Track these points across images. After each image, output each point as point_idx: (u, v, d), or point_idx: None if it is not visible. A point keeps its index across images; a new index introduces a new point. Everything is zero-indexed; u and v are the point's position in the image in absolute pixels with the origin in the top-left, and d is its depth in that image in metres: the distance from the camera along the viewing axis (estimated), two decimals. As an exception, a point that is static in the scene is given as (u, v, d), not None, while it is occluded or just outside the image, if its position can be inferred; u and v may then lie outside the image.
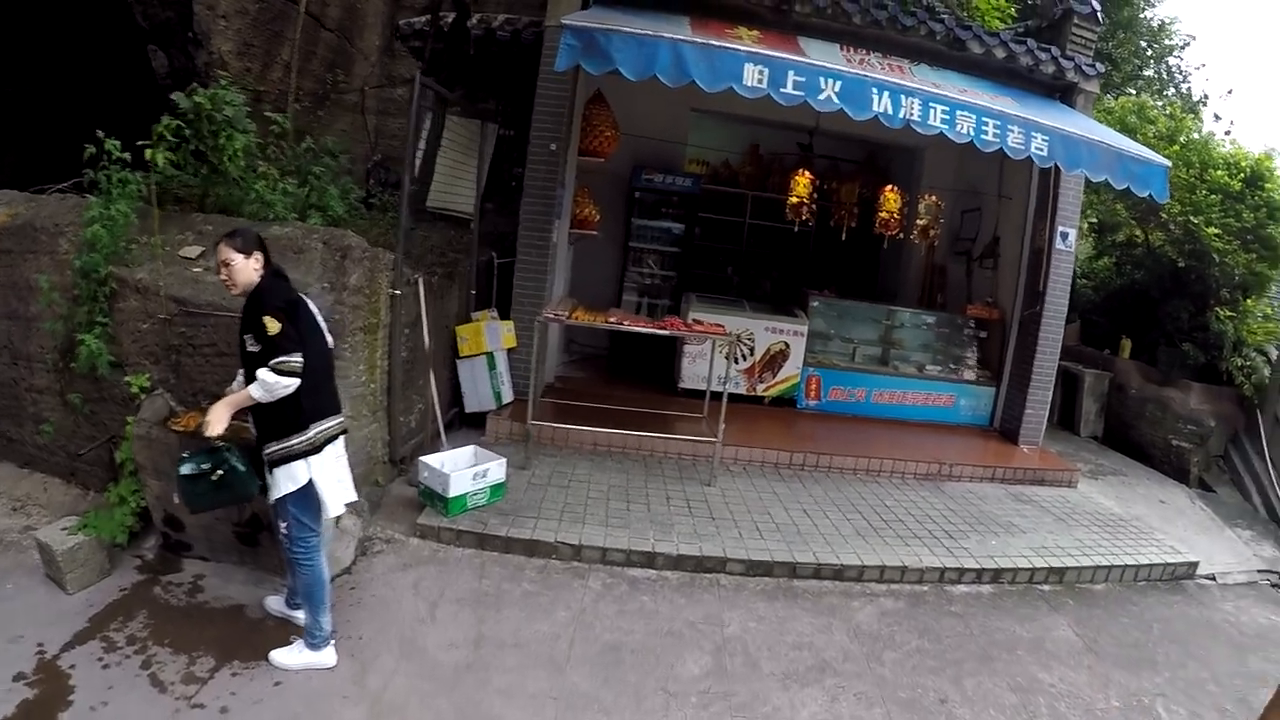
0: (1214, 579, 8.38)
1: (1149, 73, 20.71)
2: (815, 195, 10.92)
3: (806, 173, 10.86)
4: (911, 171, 13.17)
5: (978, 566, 7.24)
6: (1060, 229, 10.23)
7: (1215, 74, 36.45)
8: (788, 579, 6.82)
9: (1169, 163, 8.90)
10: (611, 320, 8.32)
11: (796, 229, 11.78)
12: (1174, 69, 20.94)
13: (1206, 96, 19.60)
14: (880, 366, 11.40)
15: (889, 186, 10.93)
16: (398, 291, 7.12)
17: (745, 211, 14.81)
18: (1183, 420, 12.05)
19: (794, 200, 10.82)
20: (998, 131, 7.84)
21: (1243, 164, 12.50)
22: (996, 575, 7.28)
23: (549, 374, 10.62)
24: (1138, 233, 13.89)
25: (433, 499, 6.84)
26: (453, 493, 6.70)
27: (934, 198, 11.01)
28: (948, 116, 7.70)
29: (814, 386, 10.98)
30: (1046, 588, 7.38)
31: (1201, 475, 11.97)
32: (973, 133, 7.78)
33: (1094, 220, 14.91)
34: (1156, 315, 13.06)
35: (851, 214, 11.42)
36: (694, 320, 9.12)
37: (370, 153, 13.39)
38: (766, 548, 6.98)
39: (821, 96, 7.31)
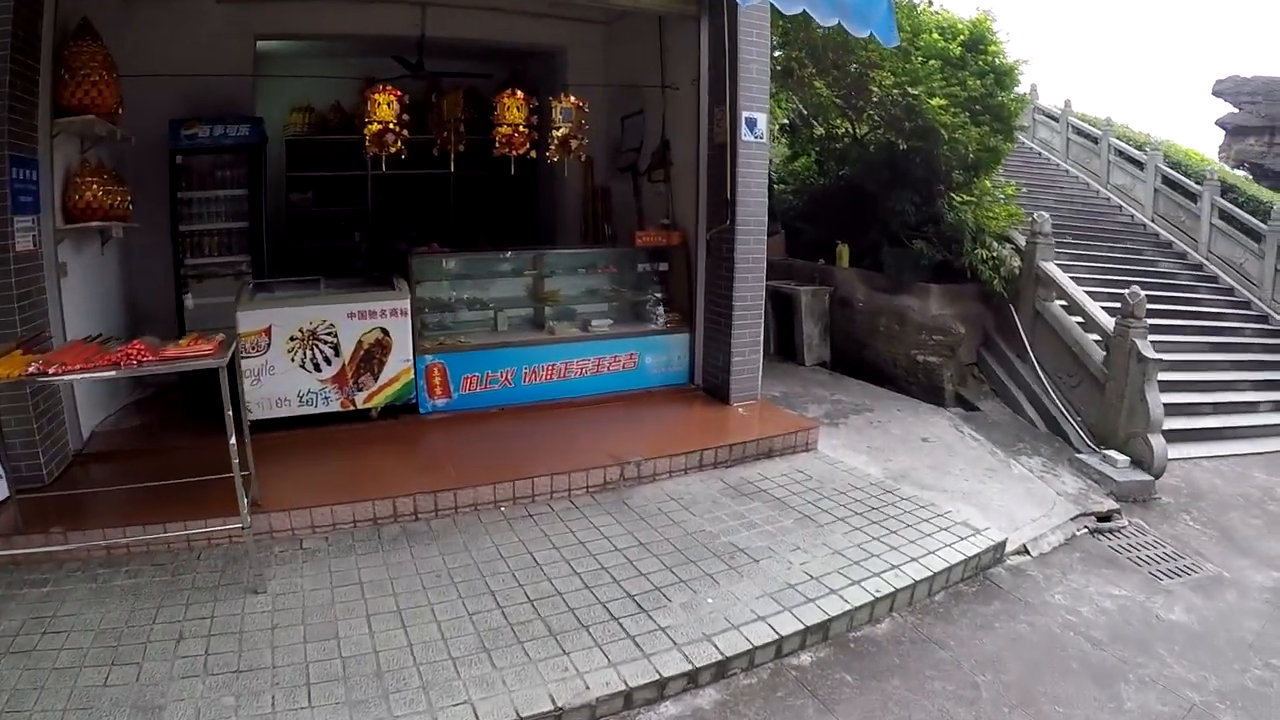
0: (1027, 552, 5.95)
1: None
2: (404, 119, 7.35)
3: (387, 89, 7.29)
4: (555, 78, 9.93)
5: (686, 668, 4.06)
6: (745, 115, 7.24)
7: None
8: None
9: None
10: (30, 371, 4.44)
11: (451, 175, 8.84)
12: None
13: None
14: (532, 333, 8.18)
15: (507, 92, 7.55)
16: None
17: (366, 162, 11.28)
18: (925, 330, 9.50)
19: (373, 128, 7.25)
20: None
21: (959, 26, 10.23)
22: (722, 670, 4.18)
23: (84, 432, 6.75)
24: (839, 123, 11.25)
25: None
26: None
27: (572, 99, 7.73)
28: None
29: (438, 380, 7.56)
30: (806, 659, 4.43)
31: (958, 391, 9.52)
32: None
33: (784, 121, 12.19)
34: (876, 213, 10.40)
35: (459, 136, 7.97)
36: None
37: None
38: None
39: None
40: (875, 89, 9.37)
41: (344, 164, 11.32)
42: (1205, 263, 13.34)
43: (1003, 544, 5.68)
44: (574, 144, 7.70)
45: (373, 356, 7.22)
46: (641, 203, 9.32)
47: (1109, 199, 15.96)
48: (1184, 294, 12.07)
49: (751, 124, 7.31)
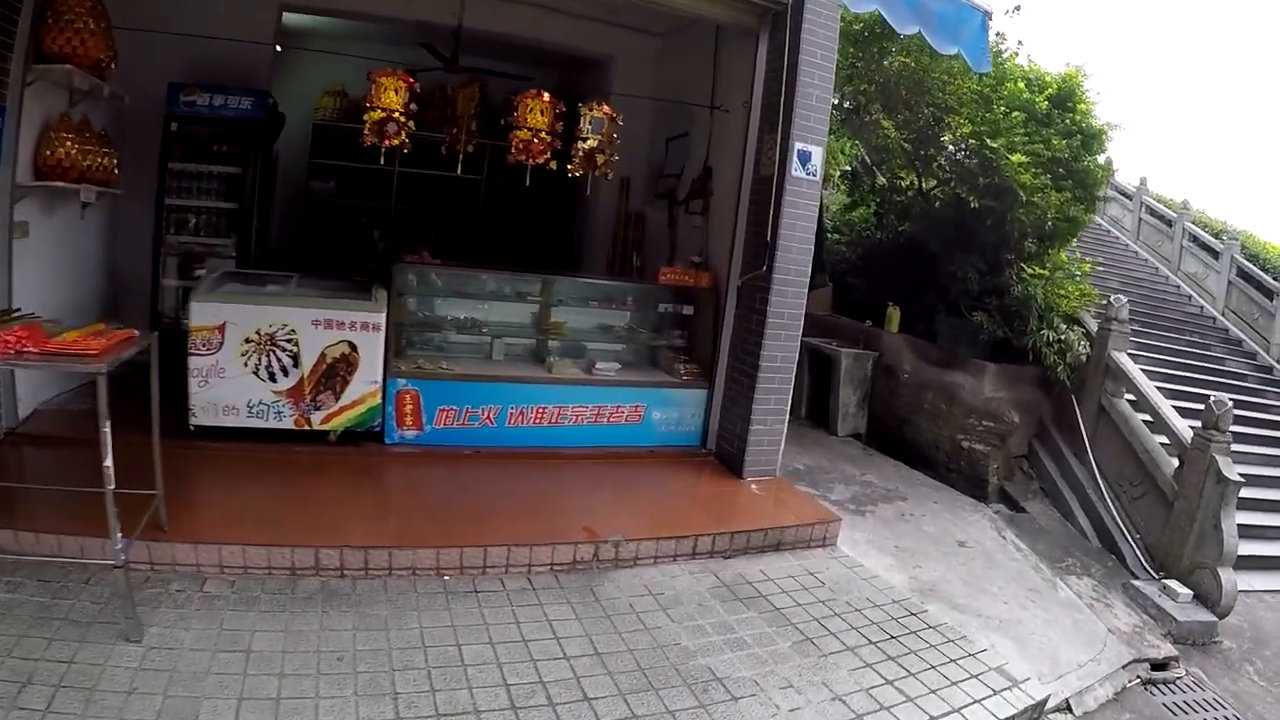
0: (1070, 709, 4.78)
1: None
2: (412, 109, 6.37)
3: (396, 73, 6.27)
4: (599, 90, 8.85)
5: None
6: (798, 146, 6.17)
7: None
8: None
9: (989, 8, 5.42)
10: None
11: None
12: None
13: (989, 13, 15.95)
14: (524, 368, 7.07)
15: (530, 92, 6.55)
16: None
17: (395, 158, 10.44)
18: (975, 414, 8.34)
19: (374, 115, 6.26)
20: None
21: (1047, 79, 9.12)
22: None
23: (22, 409, 5.95)
24: (904, 174, 10.16)
25: None
26: None
27: (605, 108, 6.72)
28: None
29: (410, 409, 6.50)
30: None
31: (1003, 485, 8.34)
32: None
33: (845, 167, 11.11)
34: (935, 277, 9.27)
35: (470, 135, 6.98)
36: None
37: None
38: None
39: None
40: (949, 137, 8.30)
41: (372, 156, 10.25)
42: (1277, 365, 11.99)
43: (1043, 703, 4.51)
44: (600, 159, 6.67)
45: (336, 373, 6.20)
46: (675, 235, 8.27)
47: (1179, 286, 14.60)
48: (1252, 398, 10.66)
49: (804, 158, 6.23)
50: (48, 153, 5.88)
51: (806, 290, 6.50)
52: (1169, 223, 15.73)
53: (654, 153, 8.87)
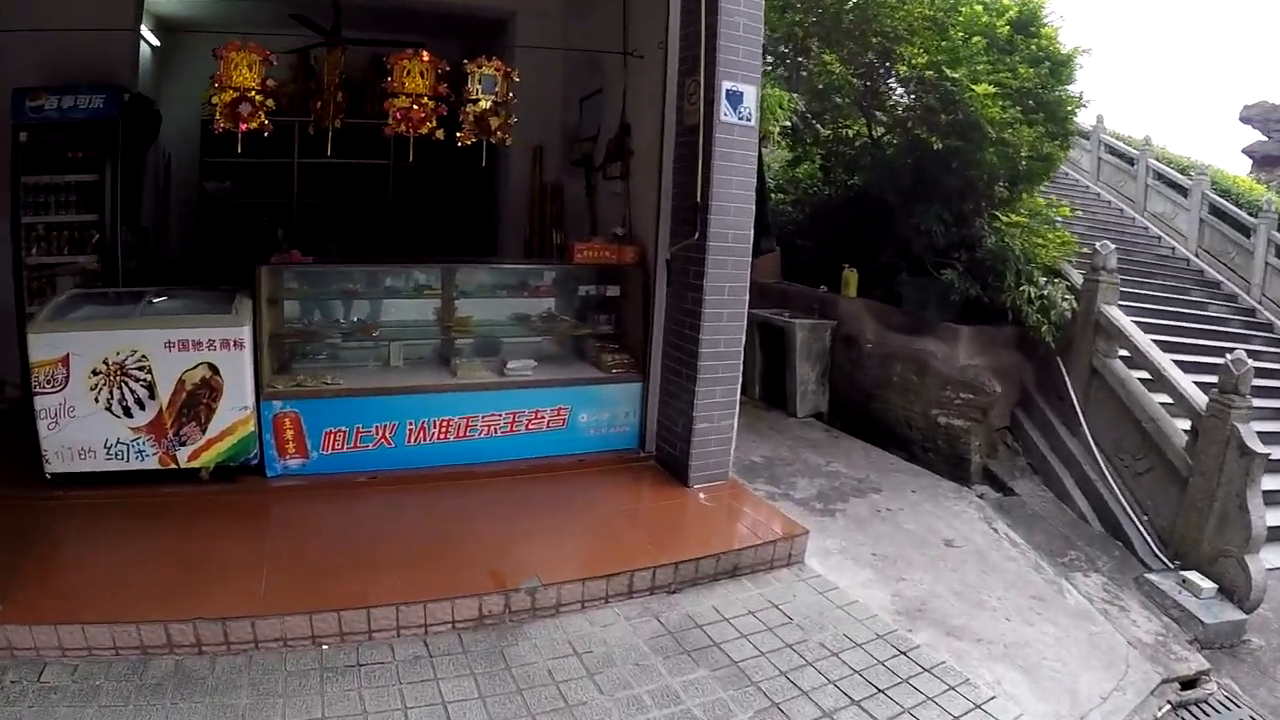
0: None
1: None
2: (268, 84, 5.28)
3: (249, 46, 5.12)
4: (503, 50, 7.66)
5: None
6: (726, 86, 5.06)
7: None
8: None
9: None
10: None
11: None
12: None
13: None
14: (423, 376, 5.92)
15: (405, 53, 5.36)
16: None
17: (293, 149, 9.70)
18: (951, 385, 7.34)
19: (226, 96, 5.08)
20: None
21: (1005, 2, 8.06)
22: None
23: None
24: (850, 123, 9.09)
25: None
26: None
27: (495, 64, 5.60)
28: None
29: (291, 435, 5.35)
30: None
31: (986, 463, 7.37)
32: None
33: (785, 123, 10.02)
34: (894, 232, 8.19)
35: (337, 108, 5.85)
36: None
37: None
38: None
39: None
40: (903, 68, 7.19)
41: (269, 150, 9.23)
42: (1259, 307, 11.07)
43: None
44: (495, 122, 5.54)
45: (198, 400, 5.11)
46: (596, 206, 7.14)
47: (1146, 228, 13.57)
48: (1239, 344, 9.73)
49: (735, 99, 5.12)
50: None
51: (749, 258, 5.42)
52: (1131, 161, 14.68)
53: (568, 116, 7.78)
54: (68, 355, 4.94)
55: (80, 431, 5.00)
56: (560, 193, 7.97)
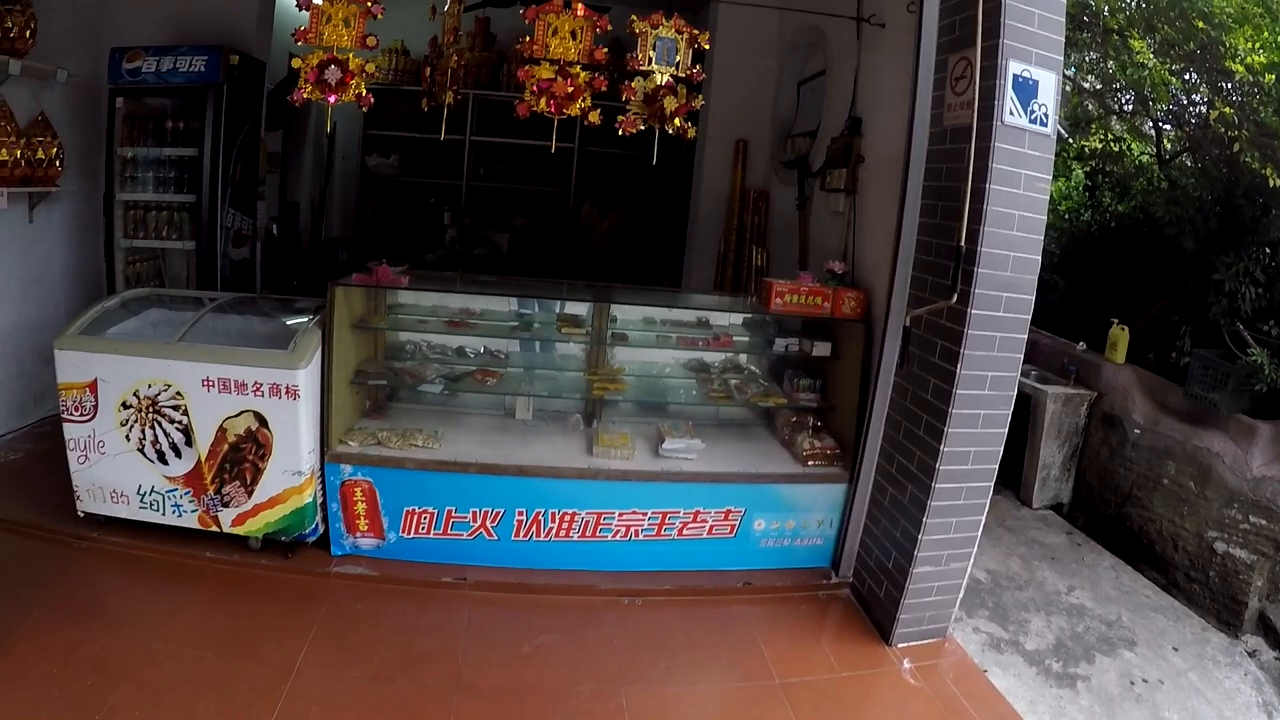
0: None
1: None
2: (369, 42, 3.73)
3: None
4: (701, 19, 6.11)
5: None
6: (1014, 70, 3.22)
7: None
8: None
9: None
10: None
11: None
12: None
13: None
14: (554, 446, 4.27)
15: (553, 5, 3.72)
16: None
17: (466, 127, 8.55)
18: (1238, 502, 5.15)
19: (312, 60, 3.63)
20: None
21: None
22: None
23: None
24: (1127, 136, 6.91)
25: None
26: None
27: (675, 24, 3.91)
28: None
29: (363, 507, 3.99)
30: None
31: (1265, 607, 5.20)
32: None
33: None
34: (1181, 282, 5.94)
35: (456, 80, 4.29)
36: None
37: None
38: None
39: None
40: (1238, 67, 5.05)
41: (438, 124, 8.07)
42: None
43: None
44: (671, 104, 3.87)
45: (242, 456, 3.83)
46: (809, 225, 5.26)
47: None
48: None
49: (1025, 90, 3.28)
50: None
51: (1025, 333, 3.55)
52: None
53: (782, 104, 5.94)
54: (95, 381, 3.96)
55: (111, 472, 4.02)
56: (766, 202, 6.13)
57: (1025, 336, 3.49)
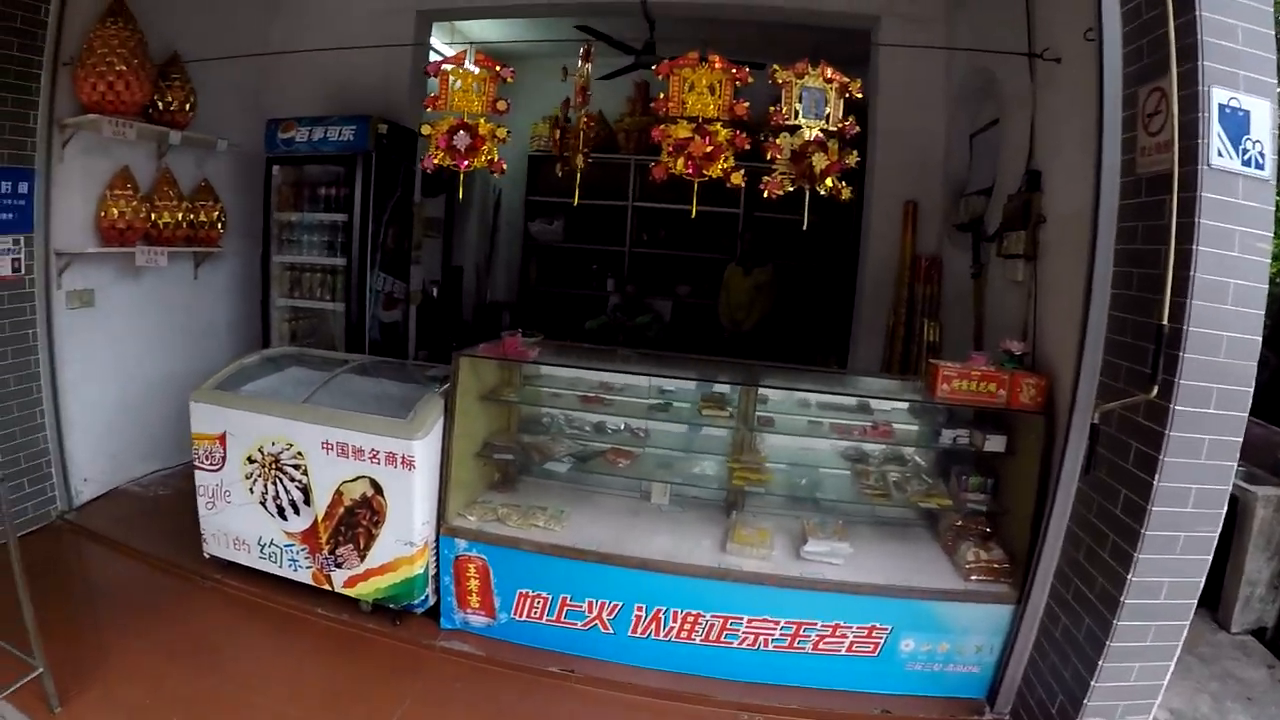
0: None
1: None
2: (499, 107, 3.62)
3: (479, 58, 3.57)
4: (862, 71, 5.19)
5: None
6: (1218, 99, 2.56)
7: None
8: None
9: None
10: None
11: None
12: None
13: None
14: (684, 542, 3.76)
15: (688, 60, 3.38)
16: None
17: (629, 192, 8.57)
18: None
19: (442, 126, 3.52)
20: None
21: None
22: None
23: (79, 490, 5.05)
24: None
25: None
26: None
27: (829, 73, 3.40)
28: None
29: (475, 584, 3.76)
30: None
31: None
32: None
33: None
34: None
35: (583, 139, 3.96)
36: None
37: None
38: None
39: None
40: None
41: (604, 190, 8.19)
42: None
43: None
44: (821, 162, 3.42)
45: (357, 520, 3.80)
46: (985, 296, 4.53)
47: None
48: None
49: (1235, 124, 2.60)
50: (101, 214, 4.93)
51: (1240, 434, 2.79)
52: None
53: (954, 160, 5.26)
54: (225, 433, 4.10)
55: (235, 520, 4.16)
56: (939, 270, 5.42)
57: (1240, 439, 2.71)
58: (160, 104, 5.09)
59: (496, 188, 8.80)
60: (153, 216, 5.13)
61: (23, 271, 4.59)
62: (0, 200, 4.44)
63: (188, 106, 5.23)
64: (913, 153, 5.33)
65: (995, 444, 3.65)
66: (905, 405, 4.05)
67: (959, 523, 3.79)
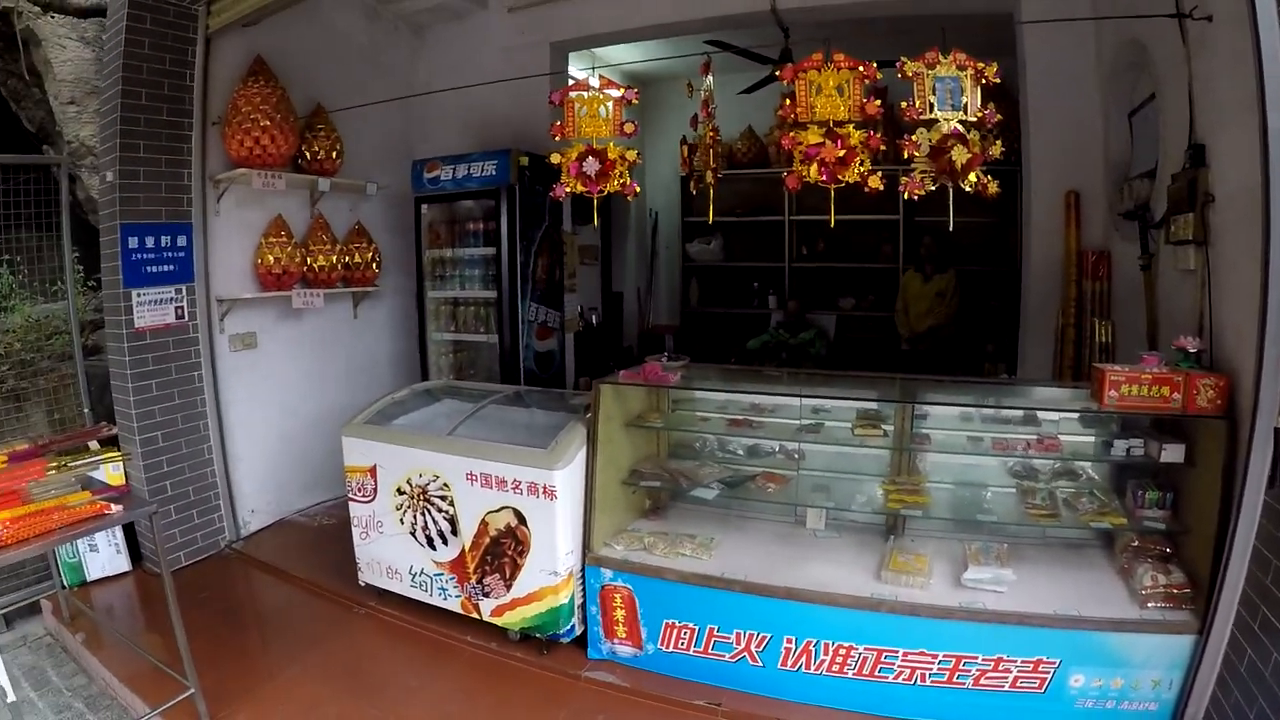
0: None
1: None
2: (626, 129, 3.63)
3: (606, 83, 3.63)
4: (1009, 60, 4.76)
5: None
6: None
7: None
8: None
9: None
10: None
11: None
12: None
13: None
14: (836, 569, 3.58)
15: (813, 60, 3.24)
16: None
17: (784, 206, 8.50)
18: None
19: (572, 155, 3.61)
20: None
21: None
22: None
23: (247, 520, 5.56)
24: None
25: None
26: None
27: (957, 59, 3.11)
28: None
29: (621, 614, 3.73)
30: None
31: None
32: None
33: None
34: None
35: (712, 151, 3.89)
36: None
37: None
38: None
39: None
40: None
41: (758, 207, 8.52)
42: None
43: None
44: (961, 155, 3.17)
45: (502, 550, 3.93)
46: (1156, 288, 4.10)
47: None
48: None
49: None
50: (258, 260, 5.42)
51: None
52: None
53: (1113, 143, 4.81)
54: (375, 466, 4.31)
55: (387, 550, 4.38)
56: (1108, 264, 4.92)
57: None
58: (308, 154, 5.45)
59: (653, 211, 8.81)
60: (308, 260, 5.57)
61: (186, 318, 5.02)
62: (161, 254, 4.86)
63: (334, 154, 5.63)
64: (1069, 139, 4.94)
65: (1173, 454, 3.27)
66: (1074, 415, 3.69)
67: (1135, 543, 3.42)
